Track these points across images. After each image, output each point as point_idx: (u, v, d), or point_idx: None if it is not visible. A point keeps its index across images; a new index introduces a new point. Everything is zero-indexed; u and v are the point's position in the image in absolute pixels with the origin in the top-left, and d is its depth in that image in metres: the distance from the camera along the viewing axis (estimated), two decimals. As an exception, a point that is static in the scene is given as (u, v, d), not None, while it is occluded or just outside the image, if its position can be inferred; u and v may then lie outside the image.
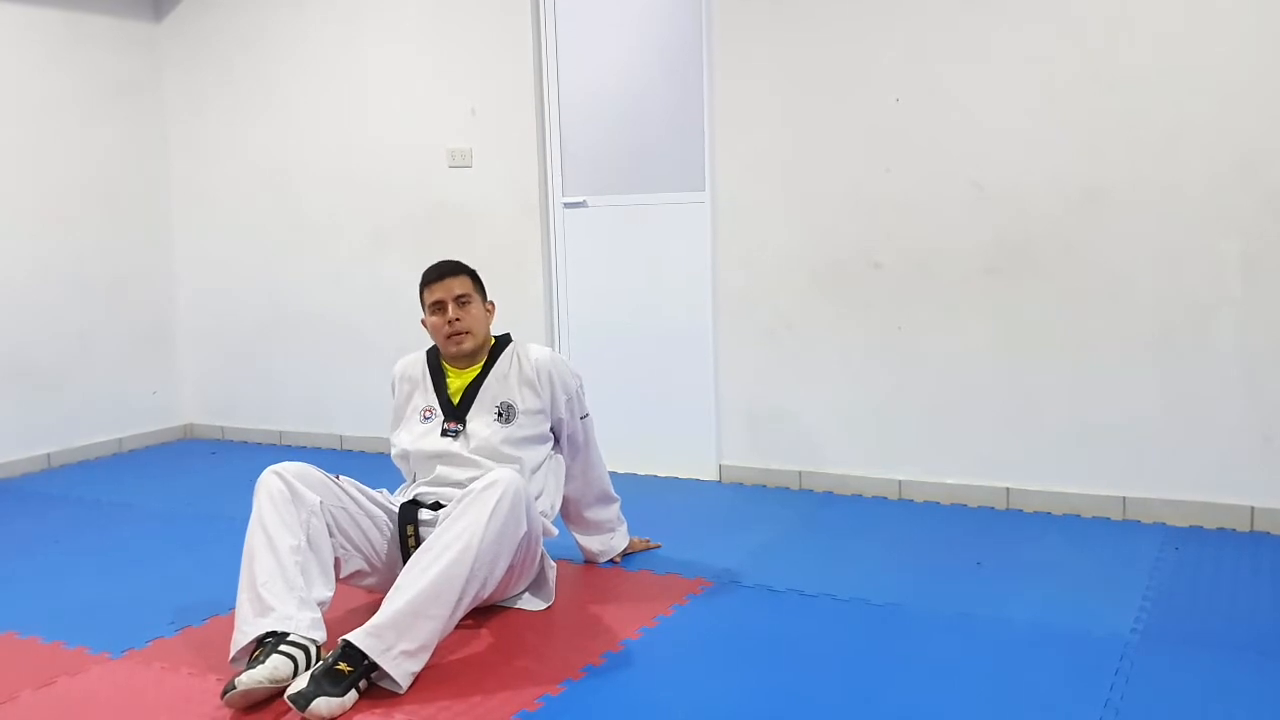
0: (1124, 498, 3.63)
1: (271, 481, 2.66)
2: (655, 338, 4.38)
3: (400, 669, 2.42)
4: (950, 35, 3.72)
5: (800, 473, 4.15)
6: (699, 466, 4.35)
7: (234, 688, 2.34)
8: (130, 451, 5.26)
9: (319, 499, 2.68)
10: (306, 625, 2.49)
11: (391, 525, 2.85)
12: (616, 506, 3.34)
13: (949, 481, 3.88)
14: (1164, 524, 3.55)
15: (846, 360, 4.02)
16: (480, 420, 2.95)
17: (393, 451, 3.07)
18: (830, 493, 4.07)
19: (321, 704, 2.31)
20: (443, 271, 3.00)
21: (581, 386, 3.13)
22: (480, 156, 4.64)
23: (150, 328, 5.41)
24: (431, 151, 4.73)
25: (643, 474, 4.41)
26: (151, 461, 5.08)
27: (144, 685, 2.56)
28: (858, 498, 4.00)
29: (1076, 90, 3.56)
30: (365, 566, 2.82)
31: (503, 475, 2.62)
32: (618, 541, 3.32)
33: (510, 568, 2.70)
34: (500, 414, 2.95)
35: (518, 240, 4.56)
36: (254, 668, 2.37)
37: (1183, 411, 3.52)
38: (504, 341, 3.08)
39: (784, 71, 4.00)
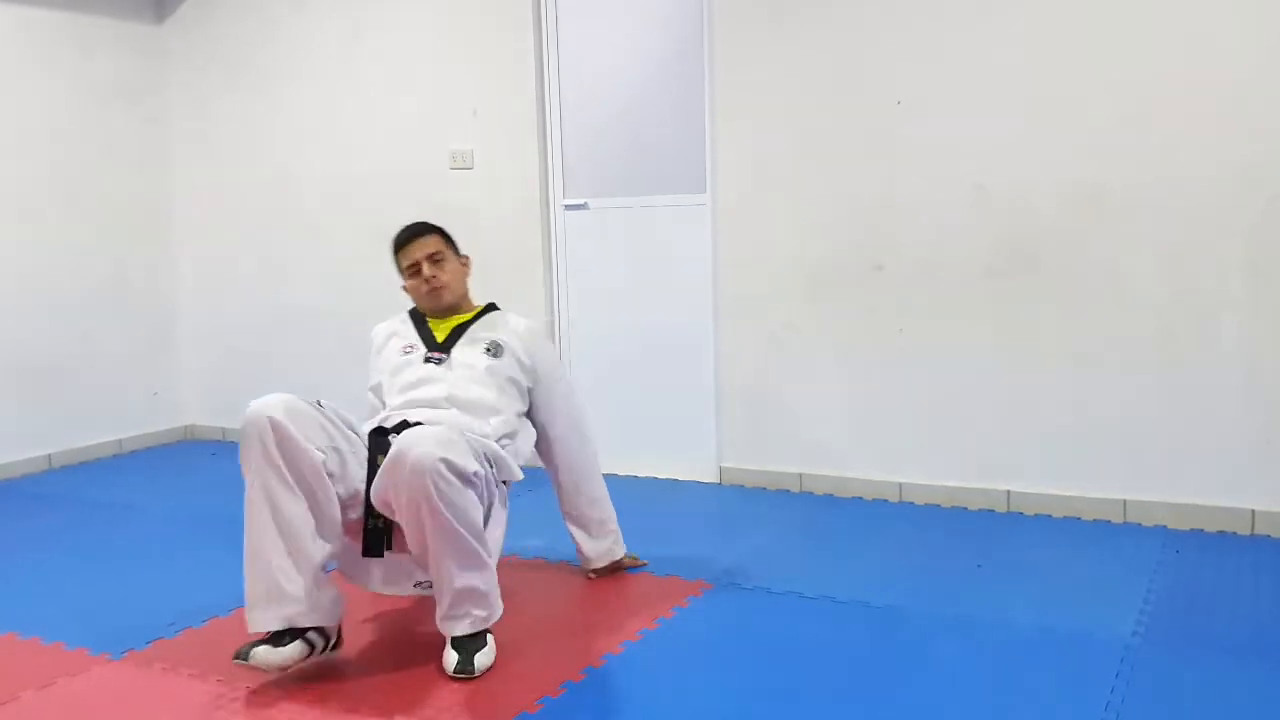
0: (1124, 501, 3.62)
1: (266, 432, 2.44)
2: (656, 339, 4.38)
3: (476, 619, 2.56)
4: (951, 37, 3.72)
5: (801, 475, 4.14)
6: (699, 468, 4.35)
7: (247, 658, 2.43)
8: (131, 452, 5.26)
9: (320, 455, 2.50)
10: (325, 610, 2.52)
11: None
12: (612, 513, 3.25)
13: (950, 484, 3.88)
14: (1164, 527, 3.54)
15: (847, 362, 4.01)
16: (466, 352, 2.93)
17: (370, 397, 3.05)
18: (831, 495, 4.06)
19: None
20: (412, 233, 3.01)
21: (559, 359, 3.15)
22: (482, 158, 4.64)
23: (151, 328, 5.41)
24: (433, 153, 4.73)
25: (643, 476, 4.41)
26: (152, 462, 5.07)
27: (144, 686, 2.56)
28: (858, 500, 4.00)
29: (1078, 92, 3.55)
30: (342, 492, 2.60)
31: (415, 456, 2.40)
32: (616, 549, 3.24)
33: (484, 499, 2.60)
34: (490, 350, 2.94)
35: (519, 242, 4.56)
36: (275, 645, 2.45)
37: (1184, 414, 3.52)
38: (490, 308, 3.10)
39: (785, 73, 4.00)
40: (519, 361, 2.98)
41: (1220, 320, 3.45)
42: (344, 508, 2.59)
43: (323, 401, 2.63)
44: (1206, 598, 2.95)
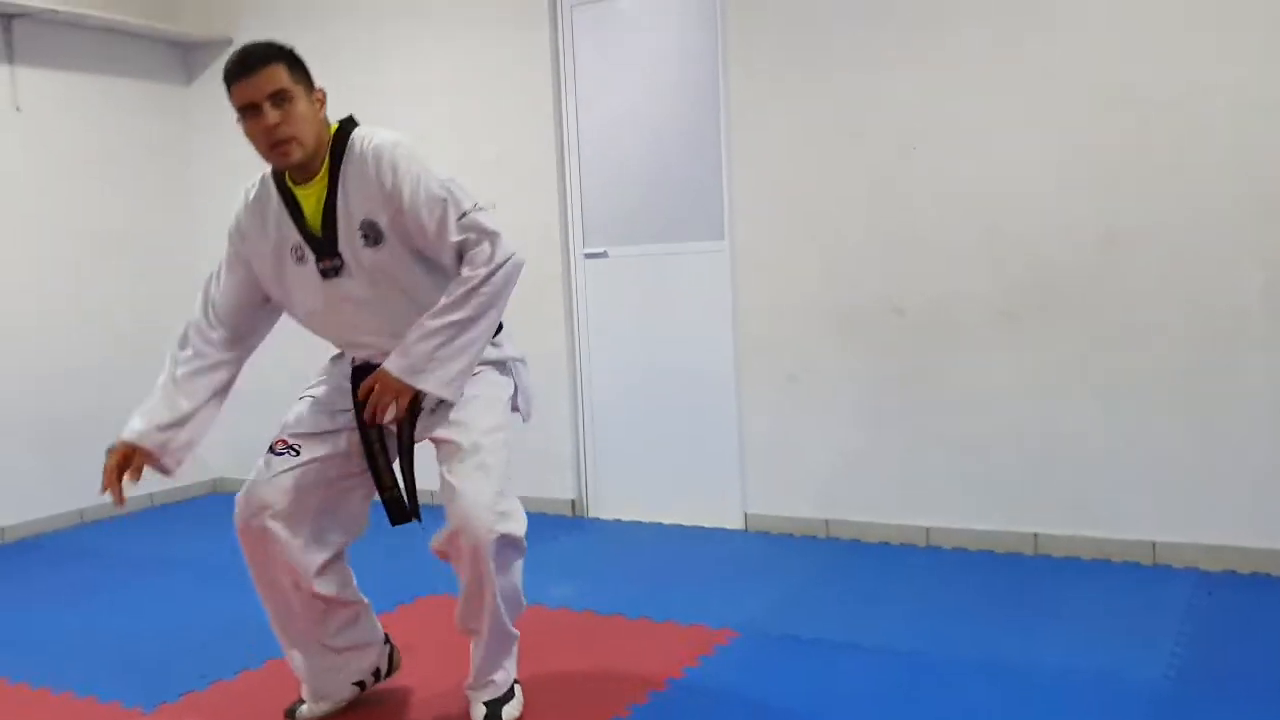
0: (1154, 542, 3.59)
1: (258, 545, 2.54)
2: (678, 386, 4.40)
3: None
4: (965, 81, 3.76)
5: (826, 521, 4.13)
6: (724, 515, 4.34)
7: (294, 715, 2.62)
8: (161, 506, 5.31)
9: (316, 560, 2.54)
10: (356, 668, 2.66)
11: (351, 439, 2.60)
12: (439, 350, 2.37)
13: (976, 528, 3.86)
14: (1196, 569, 3.51)
15: (870, 406, 4.02)
16: (350, 247, 2.34)
17: (214, 307, 2.65)
18: (857, 540, 4.05)
19: None
20: (248, 63, 2.25)
21: (433, 178, 2.39)
22: (502, 208, 4.68)
23: (181, 383, 5.48)
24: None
25: (668, 523, 4.41)
26: (182, 516, 5.12)
27: (175, 741, 2.58)
28: (885, 545, 3.98)
29: (1093, 130, 3.57)
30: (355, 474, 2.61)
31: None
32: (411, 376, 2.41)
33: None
34: (366, 236, 2.32)
35: (540, 291, 4.60)
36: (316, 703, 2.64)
37: (1212, 453, 3.49)
38: (345, 132, 2.37)
39: (801, 119, 4.04)
40: (390, 219, 2.32)
41: (1245, 355, 3.43)
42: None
43: (289, 439, 2.66)
44: (1240, 640, 2.92)
